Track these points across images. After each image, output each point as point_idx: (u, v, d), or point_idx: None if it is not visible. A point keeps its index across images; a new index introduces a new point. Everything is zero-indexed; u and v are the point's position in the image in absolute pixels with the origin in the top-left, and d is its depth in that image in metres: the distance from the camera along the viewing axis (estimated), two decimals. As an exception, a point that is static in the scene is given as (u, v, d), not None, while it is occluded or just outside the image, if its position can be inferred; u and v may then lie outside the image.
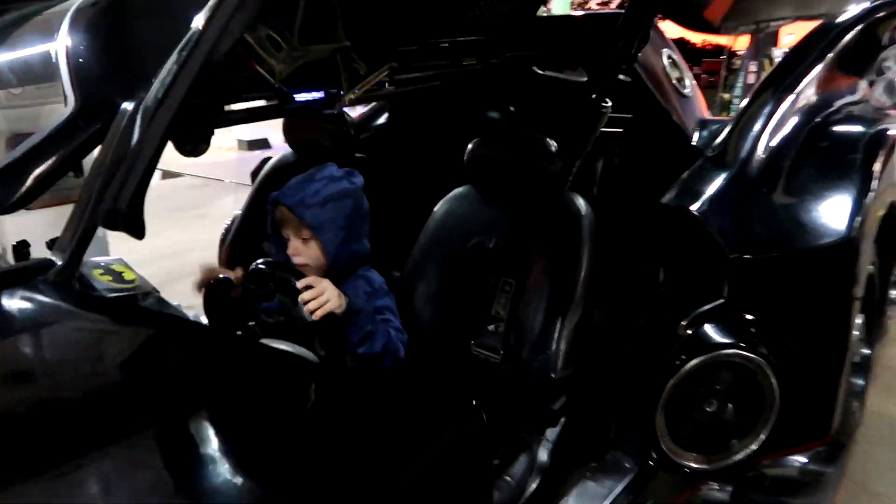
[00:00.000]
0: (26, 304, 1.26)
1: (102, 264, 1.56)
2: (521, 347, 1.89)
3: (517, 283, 1.95)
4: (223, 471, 0.86)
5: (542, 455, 1.82)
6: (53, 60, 1.61)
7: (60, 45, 1.60)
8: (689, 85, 2.65)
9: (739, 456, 1.80)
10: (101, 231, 3.09)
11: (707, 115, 2.79)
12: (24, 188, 1.59)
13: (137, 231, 1.23)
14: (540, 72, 2.70)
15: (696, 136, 2.45)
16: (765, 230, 1.88)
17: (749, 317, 1.82)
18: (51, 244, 1.48)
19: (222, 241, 2.96)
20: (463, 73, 2.44)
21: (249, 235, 2.76)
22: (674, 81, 2.56)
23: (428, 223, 2.17)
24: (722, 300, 1.83)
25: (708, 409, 1.82)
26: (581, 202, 1.98)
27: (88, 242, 1.45)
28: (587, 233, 1.92)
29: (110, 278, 1.47)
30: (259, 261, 1.51)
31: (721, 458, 1.80)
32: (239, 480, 0.83)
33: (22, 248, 2.03)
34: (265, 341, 1.27)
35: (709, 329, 1.82)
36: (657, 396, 1.76)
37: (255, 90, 1.71)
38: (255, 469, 0.83)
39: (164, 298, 1.43)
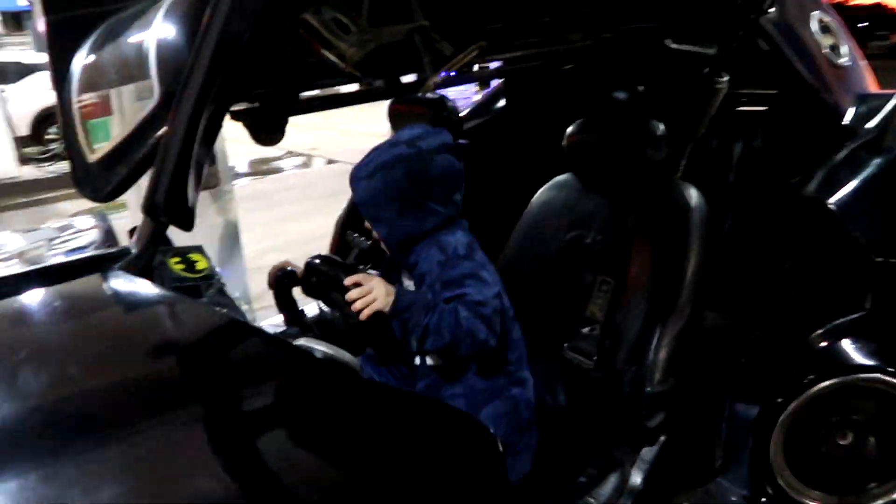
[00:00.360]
0: (93, 291, 1.29)
1: (181, 252, 1.59)
2: (616, 354, 1.70)
3: (616, 283, 1.75)
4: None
5: (635, 477, 1.62)
6: (144, 53, 1.66)
7: (152, 36, 1.64)
8: (848, 54, 2.25)
9: (879, 502, 1.49)
10: (236, 216, 3.28)
11: (873, 88, 2.37)
12: (116, 179, 1.64)
13: (181, 222, 1.21)
14: (674, 45, 2.43)
15: (850, 114, 2.08)
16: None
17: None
18: (132, 233, 1.53)
19: (336, 226, 2.99)
20: (571, 50, 2.25)
21: (356, 221, 2.75)
22: (825, 50, 2.18)
23: (524, 214, 2.03)
24: (863, 312, 1.52)
25: (841, 443, 1.52)
26: (692, 192, 1.74)
27: (162, 233, 1.47)
28: (697, 227, 1.68)
29: (183, 267, 1.48)
30: (314, 255, 1.47)
31: (855, 503, 1.50)
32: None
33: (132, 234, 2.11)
34: (303, 341, 1.22)
35: (846, 346, 1.52)
36: (774, 421, 1.50)
37: (329, 76, 1.66)
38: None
39: (224, 290, 1.42)
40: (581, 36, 2.09)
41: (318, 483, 0.78)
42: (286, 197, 6.99)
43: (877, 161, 1.71)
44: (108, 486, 0.77)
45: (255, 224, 5.85)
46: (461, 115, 3.10)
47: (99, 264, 1.41)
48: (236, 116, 1.60)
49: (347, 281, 1.31)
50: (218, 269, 1.57)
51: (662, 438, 1.65)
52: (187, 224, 1.22)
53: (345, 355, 1.23)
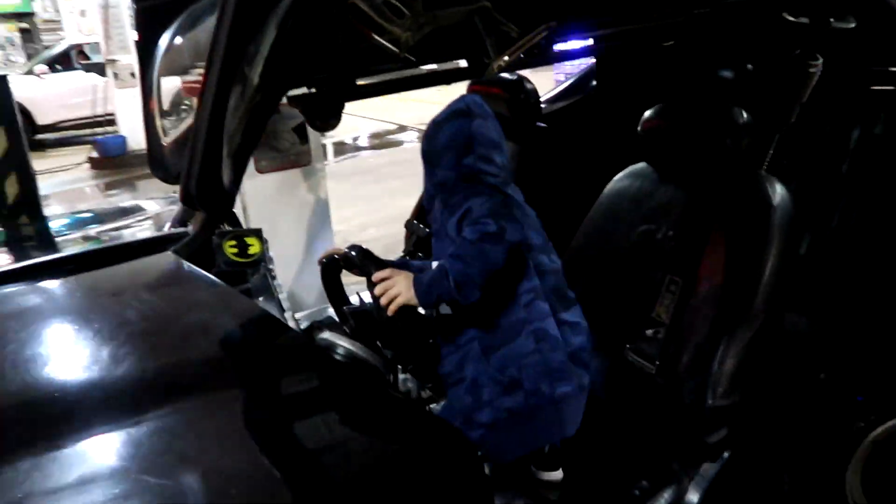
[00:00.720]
0: (138, 273, 1.36)
1: (239, 236, 1.63)
2: (680, 361, 1.58)
3: (685, 283, 1.62)
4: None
5: (693, 495, 1.50)
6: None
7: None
8: None
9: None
10: (326, 195, 3.36)
11: None
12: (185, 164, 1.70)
13: (215, 210, 1.24)
14: (791, 18, 2.19)
15: None
16: None
17: None
18: (186, 218, 1.59)
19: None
20: (664, 28, 2.08)
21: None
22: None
23: (596, 203, 1.92)
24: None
25: (936, 478, 1.33)
26: (776, 188, 1.56)
27: (218, 218, 1.52)
28: (778, 226, 1.51)
29: (235, 251, 1.52)
30: (351, 244, 1.46)
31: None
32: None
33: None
34: (327, 335, 1.21)
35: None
36: (853, 448, 1.34)
37: (384, 62, 1.63)
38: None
39: (270, 275, 1.45)
40: (670, 13, 1.93)
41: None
42: (394, 171, 7.10)
43: None
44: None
45: (359, 198, 6.00)
46: (551, 95, 2.99)
47: (157, 246, 1.48)
48: (293, 101, 1.62)
49: (375, 277, 1.29)
50: (270, 254, 1.61)
51: (726, 455, 1.52)
52: (222, 212, 1.25)
53: (366, 353, 1.21)
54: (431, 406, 1.82)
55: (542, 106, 2.95)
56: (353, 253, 1.42)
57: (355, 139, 9.18)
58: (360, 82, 1.68)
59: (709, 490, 1.49)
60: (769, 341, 1.54)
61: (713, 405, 1.47)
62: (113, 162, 7.89)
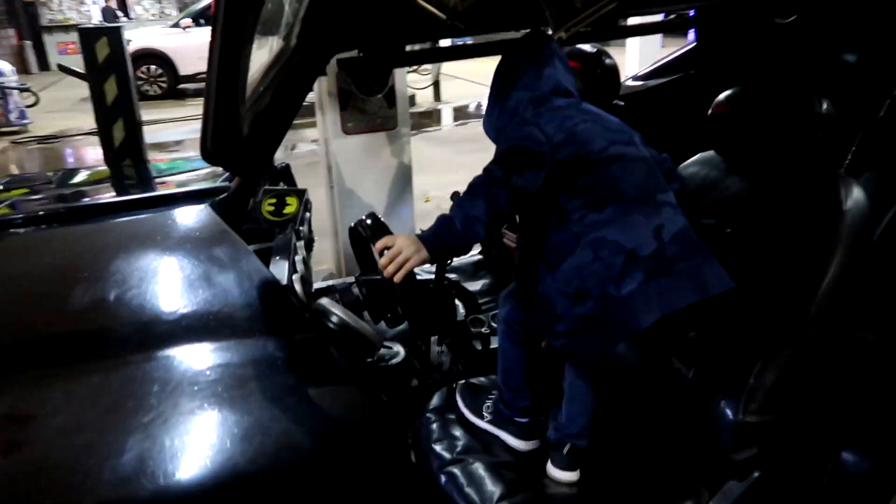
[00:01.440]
0: (173, 220, 1.42)
1: (282, 194, 1.67)
2: (717, 369, 1.46)
3: (738, 286, 1.48)
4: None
5: (713, 512, 1.40)
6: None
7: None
8: None
9: None
10: (410, 159, 3.39)
11: None
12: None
13: (233, 168, 1.27)
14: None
15: None
16: None
17: None
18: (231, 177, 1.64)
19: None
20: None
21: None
22: None
23: None
24: None
25: None
26: (853, 191, 1.38)
27: (256, 175, 1.56)
28: (846, 234, 1.34)
29: (272, 209, 1.56)
30: (368, 213, 1.45)
31: None
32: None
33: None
34: (325, 302, 1.21)
35: None
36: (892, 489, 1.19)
37: (432, 29, 1.58)
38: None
39: (292, 236, 1.47)
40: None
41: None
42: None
43: None
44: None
45: (462, 165, 6.00)
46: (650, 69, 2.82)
47: (200, 197, 1.55)
48: (341, 65, 1.61)
49: (377, 247, 1.28)
50: (308, 215, 1.64)
51: (755, 476, 1.40)
52: (240, 170, 1.27)
53: (362, 324, 1.21)
54: (460, 382, 1.80)
55: (636, 82, 2.80)
56: (368, 221, 1.42)
57: (478, 106, 9.14)
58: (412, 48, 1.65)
59: (731, 510, 1.38)
60: (823, 359, 1.38)
61: (742, 420, 1.35)
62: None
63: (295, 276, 1.30)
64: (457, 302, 2.05)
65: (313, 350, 1.01)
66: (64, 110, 8.94)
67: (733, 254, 1.53)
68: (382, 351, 1.88)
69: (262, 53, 1.68)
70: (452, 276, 2.57)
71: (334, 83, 3.03)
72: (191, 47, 10.15)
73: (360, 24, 1.47)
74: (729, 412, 1.37)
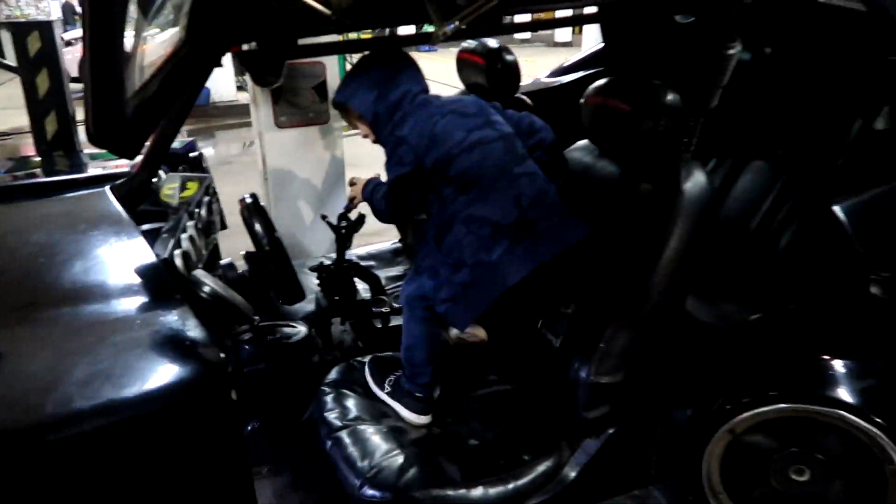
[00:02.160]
0: (71, 203, 1.51)
1: (185, 179, 1.76)
2: (577, 337, 1.60)
3: (601, 261, 1.63)
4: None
5: (570, 470, 1.53)
6: None
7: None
8: None
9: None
10: (343, 153, 3.50)
11: None
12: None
13: (116, 149, 1.35)
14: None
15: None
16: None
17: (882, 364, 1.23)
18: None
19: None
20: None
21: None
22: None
23: None
24: (850, 336, 1.27)
25: (797, 479, 1.31)
26: (693, 173, 1.53)
27: (156, 161, 1.65)
28: (684, 213, 1.48)
29: (170, 193, 1.66)
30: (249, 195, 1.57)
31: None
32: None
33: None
34: (199, 274, 1.31)
35: (822, 372, 1.29)
36: (711, 433, 1.33)
37: (319, 25, 1.69)
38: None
39: (184, 216, 1.57)
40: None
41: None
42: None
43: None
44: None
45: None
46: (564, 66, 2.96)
47: (102, 182, 1.64)
48: (237, 57, 1.71)
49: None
50: (207, 199, 1.74)
51: (610, 432, 1.54)
52: (122, 152, 1.35)
53: (234, 295, 1.32)
54: (373, 355, 1.92)
55: (549, 78, 2.93)
56: (249, 200, 1.53)
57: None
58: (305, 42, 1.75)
59: (587, 466, 1.52)
60: (666, 325, 1.53)
61: (594, 381, 1.49)
62: (196, 111, 8.36)
63: (177, 252, 1.39)
64: (363, 284, 2.17)
65: (175, 314, 1.11)
66: (21, 107, 8.84)
67: (594, 233, 1.67)
68: (286, 329, 2.00)
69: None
70: (371, 262, 2.69)
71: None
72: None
73: (249, 18, 1.57)
74: (583, 373, 1.51)
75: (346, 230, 2.04)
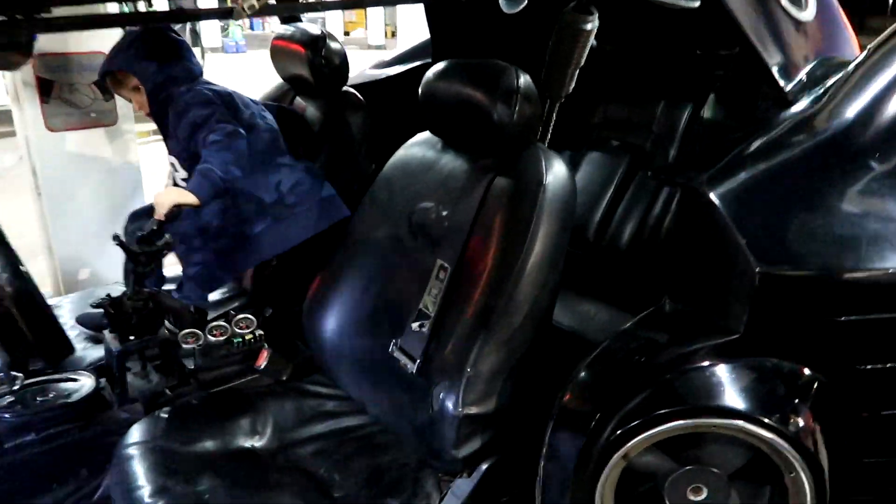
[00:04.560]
0: None
1: None
2: (437, 359, 1.36)
3: (454, 270, 1.40)
4: None
5: (442, 513, 1.30)
6: None
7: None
8: (812, 5, 1.82)
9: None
10: (138, 160, 2.98)
11: (851, 49, 1.93)
12: None
13: None
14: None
15: (798, 81, 1.66)
16: (826, 237, 1.15)
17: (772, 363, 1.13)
18: None
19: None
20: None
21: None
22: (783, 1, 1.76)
23: (376, 180, 1.67)
24: (736, 335, 1.15)
25: (694, 499, 1.17)
26: (553, 163, 1.36)
27: None
28: (546, 208, 1.31)
29: None
30: None
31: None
32: None
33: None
34: None
35: (707, 377, 1.16)
36: (604, 462, 1.16)
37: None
38: None
39: None
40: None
41: None
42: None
43: (804, 143, 1.32)
44: None
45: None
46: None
47: None
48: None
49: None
50: None
51: (484, 468, 1.32)
52: None
53: None
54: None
55: (375, 70, 2.70)
56: None
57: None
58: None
59: (460, 509, 1.29)
60: (539, 338, 1.34)
61: (462, 413, 1.26)
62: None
63: None
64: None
65: None
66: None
67: (445, 237, 1.45)
68: (65, 385, 1.55)
69: None
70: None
71: (30, 71, 2.56)
72: None
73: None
74: (448, 404, 1.27)
75: (145, 257, 1.62)
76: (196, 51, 2.09)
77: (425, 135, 1.64)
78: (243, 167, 1.76)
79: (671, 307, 1.28)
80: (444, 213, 1.48)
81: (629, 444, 1.12)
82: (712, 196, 1.22)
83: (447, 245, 1.43)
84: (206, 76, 2.00)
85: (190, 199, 1.70)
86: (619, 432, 1.11)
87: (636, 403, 1.13)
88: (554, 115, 1.50)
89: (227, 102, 1.87)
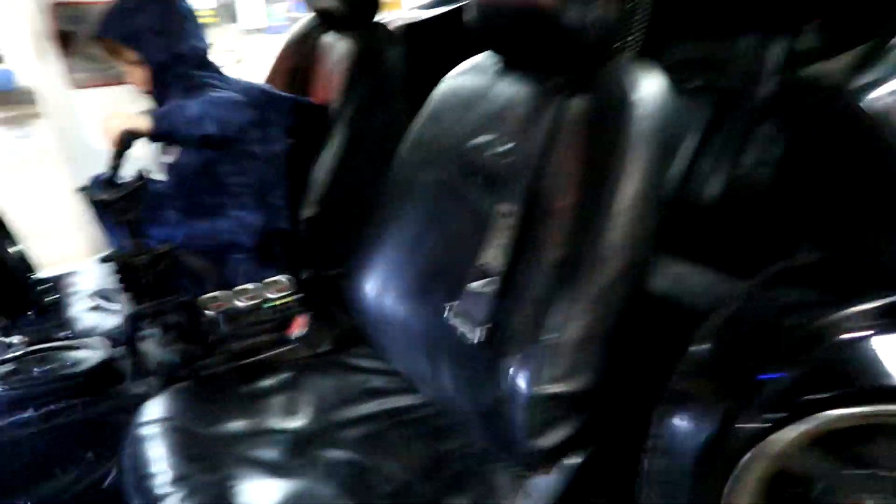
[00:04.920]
0: None
1: None
2: (505, 325, 1.09)
3: (525, 214, 1.12)
4: None
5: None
6: None
7: None
8: None
9: None
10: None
11: None
12: None
13: None
14: None
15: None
16: None
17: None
18: None
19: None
20: None
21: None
22: None
23: (418, 115, 1.41)
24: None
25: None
26: (646, 79, 1.06)
27: None
28: (640, 128, 1.01)
29: None
30: None
31: None
32: None
33: None
34: None
35: (871, 347, 0.86)
36: (738, 456, 0.88)
37: None
38: None
39: None
40: None
41: None
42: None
43: None
44: None
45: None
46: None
47: None
48: None
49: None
50: None
51: (569, 463, 1.06)
52: None
53: None
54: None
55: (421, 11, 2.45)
56: None
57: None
58: None
59: (539, 512, 1.03)
60: (637, 297, 1.06)
61: (539, 393, 0.99)
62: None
63: None
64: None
65: None
66: None
67: (509, 177, 1.18)
68: (72, 354, 1.36)
69: None
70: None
71: (46, 23, 2.39)
72: None
73: None
74: (521, 382, 1.01)
75: (123, 202, 1.38)
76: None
77: (477, 58, 1.36)
78: (222, 133, 1.63)
79: (818, 255, 0.98)
80: (506, 148, 1.20)
81: (775, 438, 0.84)
82: (868, 107, 0.91)
83: (512, 185, 1.16)
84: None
85: (140, 124, 1.52)
86: (761, 424, 0.82)
87: (784, 386, 0.84)
88: (644, 15, 1.18)
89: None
